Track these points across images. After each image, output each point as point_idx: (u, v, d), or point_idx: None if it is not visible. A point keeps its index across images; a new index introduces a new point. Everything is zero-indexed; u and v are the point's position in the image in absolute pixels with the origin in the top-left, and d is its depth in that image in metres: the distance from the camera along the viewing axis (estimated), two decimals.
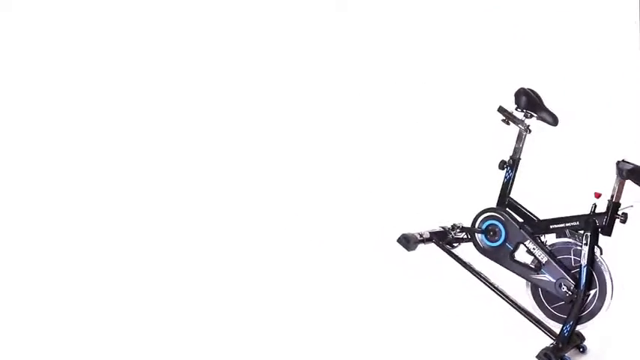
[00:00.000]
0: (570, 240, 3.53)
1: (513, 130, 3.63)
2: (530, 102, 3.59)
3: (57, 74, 5.55)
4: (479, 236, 3.70)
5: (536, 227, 3.61)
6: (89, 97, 5.57)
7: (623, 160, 3.43)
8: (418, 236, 3.68)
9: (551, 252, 3.57)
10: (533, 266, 3.59)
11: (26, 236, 5.06)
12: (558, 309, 3.58)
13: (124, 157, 5.51)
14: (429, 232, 3.71)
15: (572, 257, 3.53)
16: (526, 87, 3.62)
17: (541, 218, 3.61)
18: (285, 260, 4.75)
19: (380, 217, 4.86)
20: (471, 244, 3.75)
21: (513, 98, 3.61)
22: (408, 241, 3.65)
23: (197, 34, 5.60)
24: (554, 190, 4.60)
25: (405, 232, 3.67)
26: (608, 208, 3.44)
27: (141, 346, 3.78)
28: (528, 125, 3.62)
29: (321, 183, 5.33)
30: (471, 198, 3.85)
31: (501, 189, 3.68)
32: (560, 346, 3.49)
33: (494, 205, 3.68)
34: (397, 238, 3.67)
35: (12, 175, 5.41)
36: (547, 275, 3.56)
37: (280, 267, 4.66)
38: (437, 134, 5.21)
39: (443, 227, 3.77)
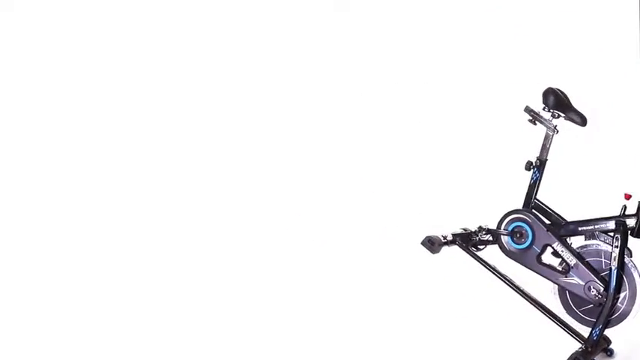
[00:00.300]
0: (599, 242, 3.48)
1: (540, 130, 3.57)
2: (558, 102, 3.53)
3: (59, 74, 5.51)
4: (505, 238, 3.63)
5: (563, 229, 3.55)
6: (91, 97, 5.53)
7: None
8: (442, 238, 3.61)
9: (579, 254, 3.51)
10: (560, 269, 3.53)
11: (26, 236, 5.06)
12: (586, 312, 3.53)
13: (124, 157, 5.46)
14: (452, 234, 3.64)
15: (603, 260, 3.47)
16: (554, 86, 3.56)
17: (569, 220, 3.55)
18: (299, 263, 4.73)
19: (405, 220, 4.82)
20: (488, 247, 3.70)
21: (541, 98, 3.55)
22: (432, 244, 3.57)
23: (195, 33, 5.55)
24: (582, 191, 4.55)
25: (430, 234, 3.60)
26: (638, 209, 3.39)
27: (141, 346, 3.74)
28: (556, 125, 3.56)
29: (330, 186, 5.29)
30: (496, 200, 3.78)
31: (528, 190, 3.61)
32: (590, 349, 3.43)
33: (520, 206, 3.62)
34: (421, 240, 3.59)
35: (12, 175, 5.37)
36: (576, 278, 3.50)
37: (296, 269, 4.64)
38: (459, 135, 5.15)
39: (464, 229, 3.70)
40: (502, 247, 3.63)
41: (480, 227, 3.65)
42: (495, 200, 3.78)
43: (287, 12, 5.55)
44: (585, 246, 3.51)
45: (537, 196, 3.60)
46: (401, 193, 5.10)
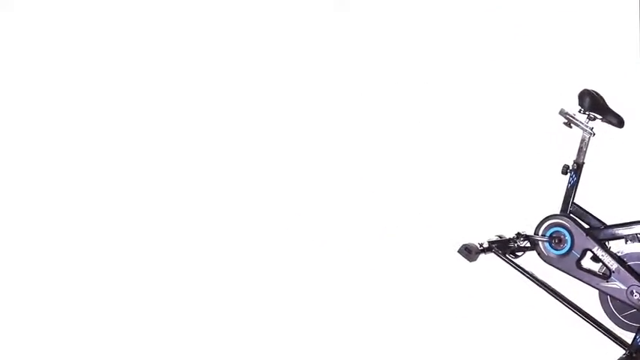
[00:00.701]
0: None
1: (576, 133, 3.50)
2: (595, 103, 3.47)
3: (59, 74, 5.40)
4: (543, 244, 3.56)
5: (603, 233, 3.49)
6: (91, 96, 5.44)
7: None
8: (479, 246, 3.54)
9: (620, 258, 3.45)
10: (601, 274, 3.47)
11: (26, 236, 4.98)
12: (629, 317, 3.47)
13: (123, 157, 5.39)
14: (489, 242, 3.57)
15: None
16: (589, 88, 3.50)
17: (608, 224, 3.50)
18: (299, 263, 4.67)
19: (442, 226, 4.76)
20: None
21: (577, 100, 3.49)
22: (469, 252, 3.50)
23: (193, 33, 5.47)
24: (621, 194, 4.50)
25: (466, 242, 3.53)
26: None
27: (141, 346, 3.67)
28: (592, 128, 3.49)
29: (333, 187, 5.23)
30: (533, 205, 3.72)
31: (565, 194, 3.54)
32: (634, 355, 3.38)
33: (557, 211, 3.56)
34: (458, 248, 3.52)
35: (12, 176, 5.27)
36: (617, 282, 3.44)
37: (296, 268, 4.59)
38: (490, 140, 5.10)
39: (500, 236, 3.64)
40: (540, 253, 3.56)
41: (518, 234, 3.58)
42: (530, 205, 3.73)
43: (287, 12, 5.49)
44: (626, 249, 3.46)
45: (575, 200, 3.54)
46: (430, 199, 5.06)
